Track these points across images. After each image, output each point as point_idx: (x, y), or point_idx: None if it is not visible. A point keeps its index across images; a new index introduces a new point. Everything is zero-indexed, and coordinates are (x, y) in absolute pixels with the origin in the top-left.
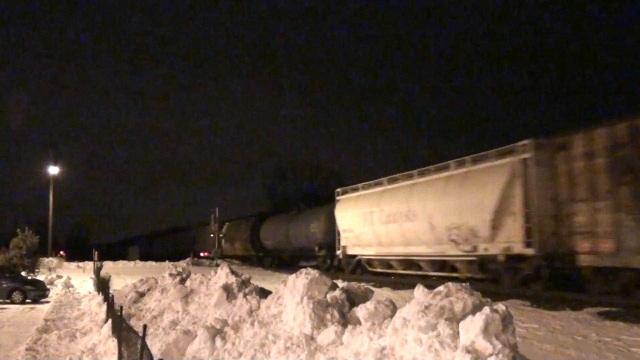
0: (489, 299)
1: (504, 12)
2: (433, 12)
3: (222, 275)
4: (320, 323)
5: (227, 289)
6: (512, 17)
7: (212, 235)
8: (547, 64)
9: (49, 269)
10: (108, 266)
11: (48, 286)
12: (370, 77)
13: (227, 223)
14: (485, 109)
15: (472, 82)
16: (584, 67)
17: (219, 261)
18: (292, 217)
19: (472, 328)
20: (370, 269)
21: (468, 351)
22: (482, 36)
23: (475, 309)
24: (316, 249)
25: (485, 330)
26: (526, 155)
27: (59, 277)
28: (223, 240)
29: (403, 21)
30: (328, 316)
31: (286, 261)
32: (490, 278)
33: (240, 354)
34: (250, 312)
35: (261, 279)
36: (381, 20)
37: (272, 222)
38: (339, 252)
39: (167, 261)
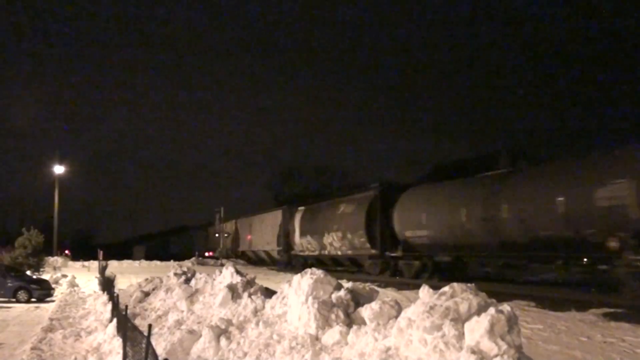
0: (494, 300)
1: (507, 10)
2: (436, 11)
3: (227, 275)
4: (325, 323)
5: (232, 288)
6: (515, 15)
7: (217, 235)
8: (551, 65)
9: (54, 268)
10: (113, 265)
11: (53, 285)
12: (374, 77)
13: (302, 208)
14: (488, 108)
15: (476, 82)
16: (594, 67)
17: (223, 261)
18: (504, 180)
19: (477, 329)
20: None
21: (473, 352)
22: (485, 35)
23: (481, 309)
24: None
25: (491, 331)
26: None
27: (64, 276)
28: (297, 235)
29: (406, 20)
30: (333, 316)
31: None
32: None
33: (245, 354)
34: (255, 312)
35: (266, 278)
36: (384, 20)
37: (421, 195)
38: None
39: (172, 260)
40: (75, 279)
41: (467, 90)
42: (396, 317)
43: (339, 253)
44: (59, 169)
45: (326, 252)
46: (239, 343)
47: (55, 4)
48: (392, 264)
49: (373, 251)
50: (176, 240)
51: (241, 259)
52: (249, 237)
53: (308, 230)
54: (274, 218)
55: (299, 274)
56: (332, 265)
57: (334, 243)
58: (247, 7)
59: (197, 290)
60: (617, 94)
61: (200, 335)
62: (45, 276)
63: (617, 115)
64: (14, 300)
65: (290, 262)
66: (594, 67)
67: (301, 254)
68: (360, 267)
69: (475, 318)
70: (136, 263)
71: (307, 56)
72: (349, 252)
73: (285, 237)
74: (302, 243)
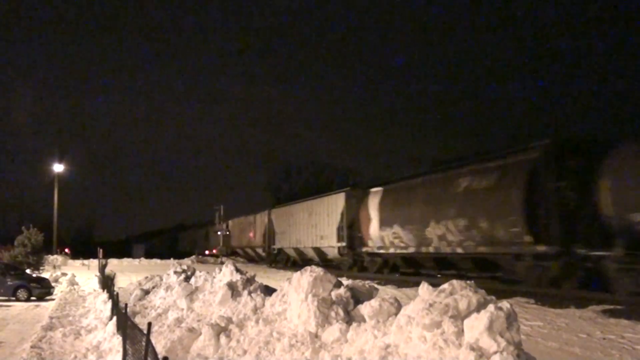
0: (493, 297)
1: (512, 10)
2: (440, 9)
3: (227, 272)
4: (324, 321)
5: (231, 286)
6: (520, 16)
7: (218, 232)
8: (555, 62)
9: (54, 267)
10: (113, 264)
11: (53, 284)
12: (375, 75)
13: (378, 189)
14: (493, 107)
15: (479, 81)
16: (593, 67)
17: (223, 259)
18: None
19: (476, 326)
20: None
21: (472, 349)
22: (490, 34)
23: (480, 306)
24: None
25: (490, 328)
26: None
27: (64, 274)
28: (373, 226)
29: (409, 19)
30: (332, 314)
31: None
32: None
33: (244, 352)
34: (255, 309)
35: (266, 276)
36: (386, 18)
37: None
38: None
39: (172, 259)
40: (75, 278)
41: (468, 87)
42: (396, 314)
43: (459, 250)
44: (58, 167)
45: (430, 249)
46: (238, 341)
47: (56, 3)
48: (584, 267)
49: (540, 248)
50: (185, 236)
51: (278, 260)
52: (290, 231)
53: (395, 218)
54: (333, 205)
55: (298, 272)
56: (434, 268)
57: (448, 236)
58: (247, 6)
59: (197, 288)
60: (617, 91)
61: (200, 333)
62: (45, 275)
63: (617, 114)
64: (13, 298)
65: (359, 262)
66: (594, 65)
67: (380, 251)
68: (497, 271)
69: (474, 315)
70: (136, 261)
71: (307, 54)
72: (482, 248)
73: (350, 230)
74: (383, 237)
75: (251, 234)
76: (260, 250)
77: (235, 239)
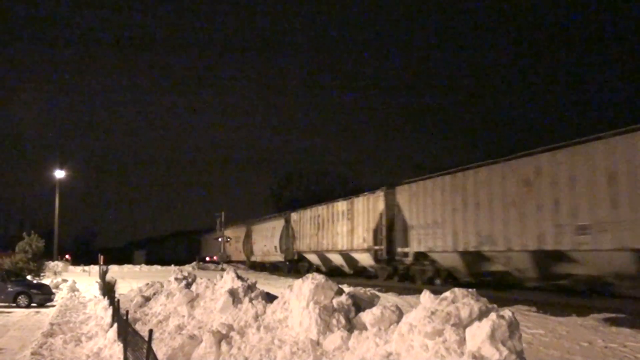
0: (495, 305)
1: (513, 9)
2: (440, 11)
3: (228, 279)
4: (326, 328)
5: (232, 293)
6: (521, 15)
7: (219, 239)
8: (558, 64)
9: (55, 273)
10: (114, 270)
11: (53, 290)
12: (376, 81)
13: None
14: (492, 111)
15: (478, 83)
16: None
17: (224, 265)
18: None
19: (478, 334)
20: None
21: (474, 357)
22: (491, 35)
23: (482, 314)
24: None
25: (492, 336)
26: None
27: (65, 281)
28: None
29: (409, 21)
30: (334, 321)
31: None
32: None
33: (245, 359)
34: (256, 316)
35: (267, 283)
36: (387, 20)
37: None
38: None
39: (172, 265)
40: (76, 284)
41: (467, 91)
42: (397, 322)
43: None
44: (59, 174)
45: None
46: (239, 348)
47: (56, 6)
48: None
49: None
50: (206, 241)
51: (414, 275)
52: (454, 222)
53: None
54: (597, 164)
55: (300, 279)
56: None
57: None
58: (249, 11)
59: (197, 295)
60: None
61: (201, 341)
62: (46, 281)
63: (617, 113)
64: (14, 305)
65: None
66: (595, 65)
67: None
68: None
69: (476, 323)
70: (137, 267)
71: (309, 59)
72: None
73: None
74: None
75: (342, 231)
76: (363, 258)
77: (303, 239)
